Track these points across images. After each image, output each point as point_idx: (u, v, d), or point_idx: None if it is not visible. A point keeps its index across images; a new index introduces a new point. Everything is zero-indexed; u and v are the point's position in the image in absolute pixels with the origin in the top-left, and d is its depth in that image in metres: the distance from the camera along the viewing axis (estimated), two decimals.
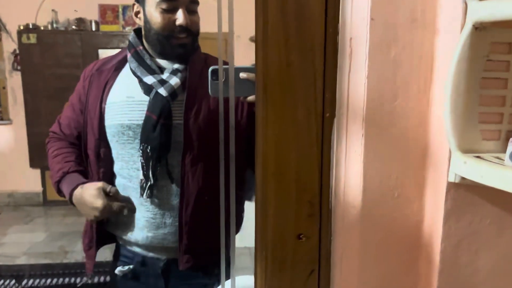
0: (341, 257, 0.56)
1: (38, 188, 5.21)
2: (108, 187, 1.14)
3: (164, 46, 1.17)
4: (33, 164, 5.11)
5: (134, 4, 1.21)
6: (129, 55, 1.21)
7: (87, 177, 1.23)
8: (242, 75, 0.91)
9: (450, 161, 0.48)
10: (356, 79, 0.51)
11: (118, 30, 4.91)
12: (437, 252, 0.50)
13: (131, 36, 1.24)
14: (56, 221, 4.79)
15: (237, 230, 1.34)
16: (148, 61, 1.19)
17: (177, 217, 1.19)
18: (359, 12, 0.50)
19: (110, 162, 1.23)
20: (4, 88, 5.05)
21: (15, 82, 4.99)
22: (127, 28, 4.93)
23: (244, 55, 5.05)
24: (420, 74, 0.50)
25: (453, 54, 0.47)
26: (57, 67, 4.85)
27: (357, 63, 0.51)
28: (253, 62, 0.95)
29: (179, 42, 1.15)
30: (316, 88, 0.53)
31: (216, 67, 0.92)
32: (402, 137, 0.51)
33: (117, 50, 4.40)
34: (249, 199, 1.38)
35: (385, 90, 0.50)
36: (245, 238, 1.33)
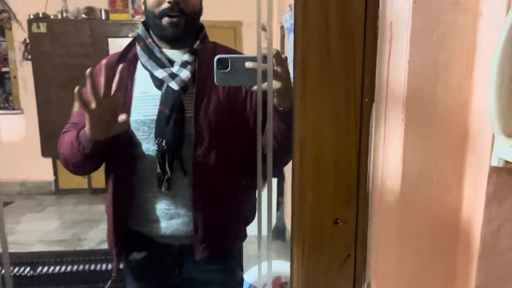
0: (378, 242, 0.56)
1: (50, 177, 5.27)
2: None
3: (158, 27, 1.16)
4: (44, 153, 5.16)
5: None
6: (138, 49, 1.20)
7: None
8: (248, 64, 0.91)
9: (493, 145, 0.48)
10: (396, 64, 0.51)
11: (128, 19, 4.90)
12: (477, 237, 0.50)
13: (140, 28, 1.23)
14: (68, 209, 4.85)
15: (253, 219, 1.36)
16: (158, 54, 1.19)
17: (191, 207, 1.20)
18: None
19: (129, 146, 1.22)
20: (15, 77, 5.08)
21: (25, 71, 5.02)
22: (137, 17, 4.92)
23: (255, 41, 5.01)
24: (462, 58, 0.50)
25: (497, 38, 0.46)
26: (67, 56, 4.86)
27: (398, 48, 0.51)
28: (263, 51, 0.95)
29: (169, 21, 1.13)
30: (355, 73, 0.53)
31: (222, 56, 0.92)
32: (442, 121, 0.51)
33: (126, 39, 4.37)
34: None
35: (426, 74, 0.50)
36: (254, 226, 1.35)
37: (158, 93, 1.18)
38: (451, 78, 0.50)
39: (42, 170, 5.21)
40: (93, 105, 1.01)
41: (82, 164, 1.17)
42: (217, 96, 1.18)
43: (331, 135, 0.53)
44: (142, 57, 1.19)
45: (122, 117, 1.03)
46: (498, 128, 0.46)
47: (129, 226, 1.27)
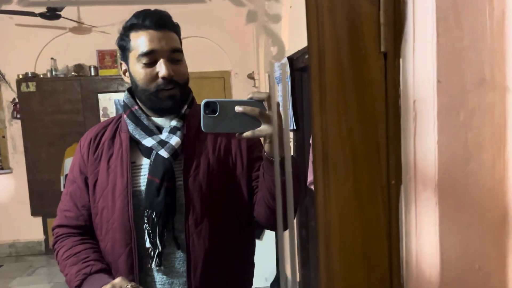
0: None
1: (40, 236, 5.10)
2: (126, 285, 1.00)
3: (153, 101, 1.10)
4: (34, 212, 5.01)
5: (121, 63, 1.17)
6: (124, 117, 1.14)
7: (111, 274, 1.10)
8: (238, 108, 0.85)
9: None
10: (423, 144, 0.48)
11: (117, 74, 4.93)
12: None
13: (125, 96, 1.17)
14: (59, 271, 4.65)
15: (251, 286, 1.27)
16: (145, 121, 1.13)
17: (186, 285, 1.10)
18: (423, 74, 0.47)
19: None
20: (3, 137, 5.01)
21: (14, 130, 4.96)
22: None
23: (243, 90, 5.10)
24: (493, 135, 0.47)
25: None
26: (57, 113, 4.83)
27: (424, 127, 0.48)
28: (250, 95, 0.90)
29: (166, 95, 1.08)
30: (379, 154, 0.49)
31: (210, 99, 0.85)
32: (479, 202, 0.47)
33: (116, 94, 4.30)
34: (258, 237, 1.32)
35: (457, 155, 0.47)
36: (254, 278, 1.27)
37: (146, 162, 1.11)
38: (483, 156, 0.47)
39: (32, 229, 5.04)
40: None
41: None
42: (206, 160, 1.11)
43: (358, 222, 0.49)
44: (129, 126, 1.12)
45: None
46: None
47: None
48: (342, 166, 0.49)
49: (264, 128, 0.87)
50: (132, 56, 1.09)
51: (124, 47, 1.12)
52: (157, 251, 1.08)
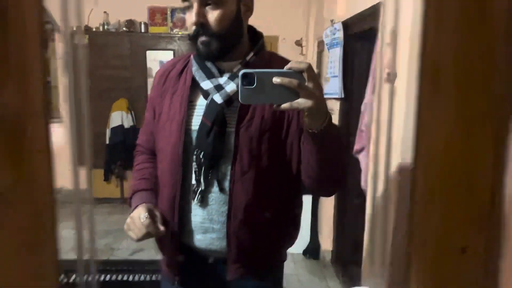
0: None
1: (85, 185, 5.34)
2: (141, 215, 1.12)
3: (194, 48, 1.12)
4: (81, 161, 5.24)
5: None
6: (192, 56, 1.19)
7: (156, 194, 1.24)
8: (276, 80, 0.82)
9: None
10: None
11: (166, 32, 4.97)
12: None
13: None
14: (101, 219, 4.87)
15: (294, 240, 1.29)
16: (209, 64, 1.15)
17: (225, 224, 1.15)
18: None
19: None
20: (55, 87, 5.21)
21: (66, 81, 5.14)
22: (175, 30, 4.98)
23: (290, 57, 4.99)
24: None
25: None
26: (106, 67, 4.95)
27: None
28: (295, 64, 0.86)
29: (200, 41, 1.08)
30: (494, 80, 0.45)
31: (247, 70, 0.84)
32: None
33: (164, 52, 4.36)
34: None
35: None
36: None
37: (203, 103, 1.15)
38: None
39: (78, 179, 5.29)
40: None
41: None
42: (262, 113, 1.11)
43: (465, 151, 0.46)
44: (193, 66, 1.17)
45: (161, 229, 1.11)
46: None
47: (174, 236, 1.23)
48: (452, 88, 0.46)
49: (302, 101, 0.84)
50: None
51: None
52: (200, 189, 1.14)
